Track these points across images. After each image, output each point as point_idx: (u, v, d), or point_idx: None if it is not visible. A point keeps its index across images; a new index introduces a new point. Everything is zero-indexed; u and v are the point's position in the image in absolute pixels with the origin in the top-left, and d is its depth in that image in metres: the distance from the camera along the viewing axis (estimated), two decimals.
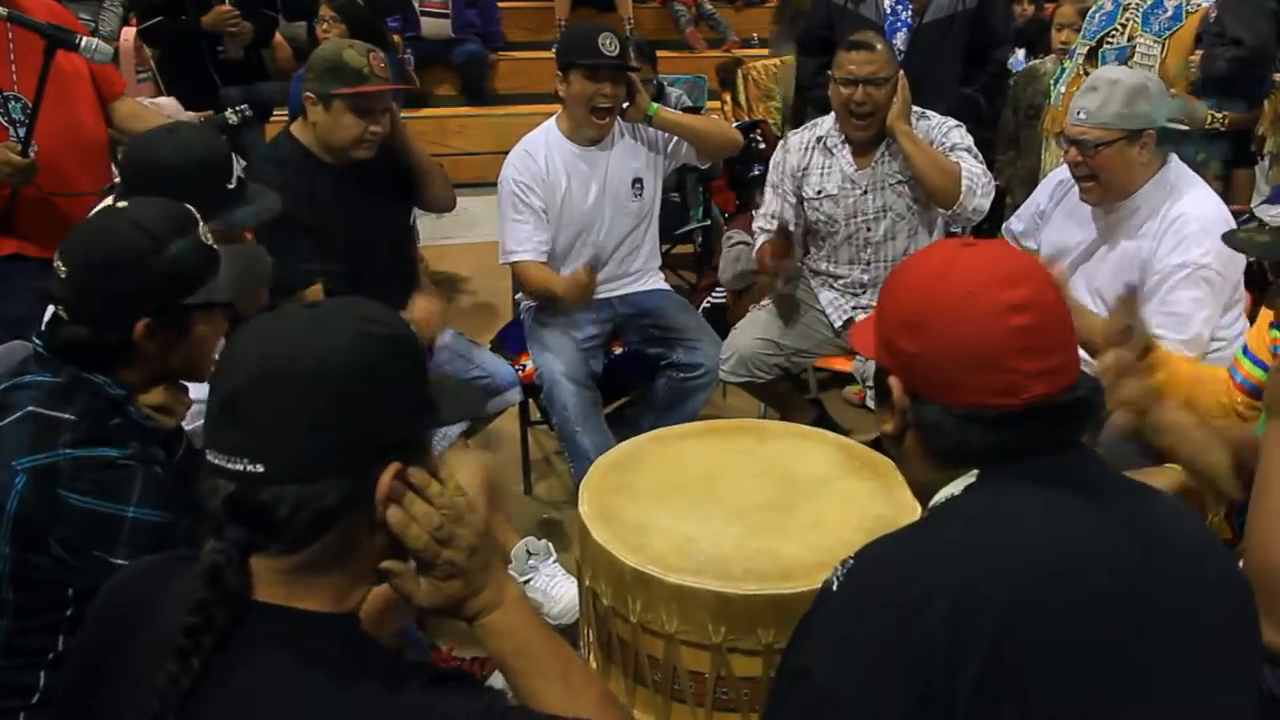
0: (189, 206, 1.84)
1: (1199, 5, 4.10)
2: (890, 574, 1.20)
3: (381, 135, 2.99)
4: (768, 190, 3.51)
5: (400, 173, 3.18)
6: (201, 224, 1.82)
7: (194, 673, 1.09)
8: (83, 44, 2.73)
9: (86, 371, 1.72)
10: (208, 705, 1.09)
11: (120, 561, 1.63)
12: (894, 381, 1.30)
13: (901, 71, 3.25)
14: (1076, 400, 1.24)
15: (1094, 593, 1.16)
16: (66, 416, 1.67)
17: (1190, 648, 1.19)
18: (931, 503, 1.30)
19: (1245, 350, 2.27)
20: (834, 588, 1.21)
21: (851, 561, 1.23)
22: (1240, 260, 2.76)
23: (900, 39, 4.02)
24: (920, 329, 1.26)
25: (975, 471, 1.25)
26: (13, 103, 2.86)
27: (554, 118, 3.47)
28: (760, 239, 3.50)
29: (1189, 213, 2.72)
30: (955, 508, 1.26)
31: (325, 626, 1.16)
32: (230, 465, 1.13)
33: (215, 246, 1.83)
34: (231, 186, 2.28)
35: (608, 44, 3.23)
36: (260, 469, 1.12)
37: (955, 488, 1.26)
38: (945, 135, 3.29)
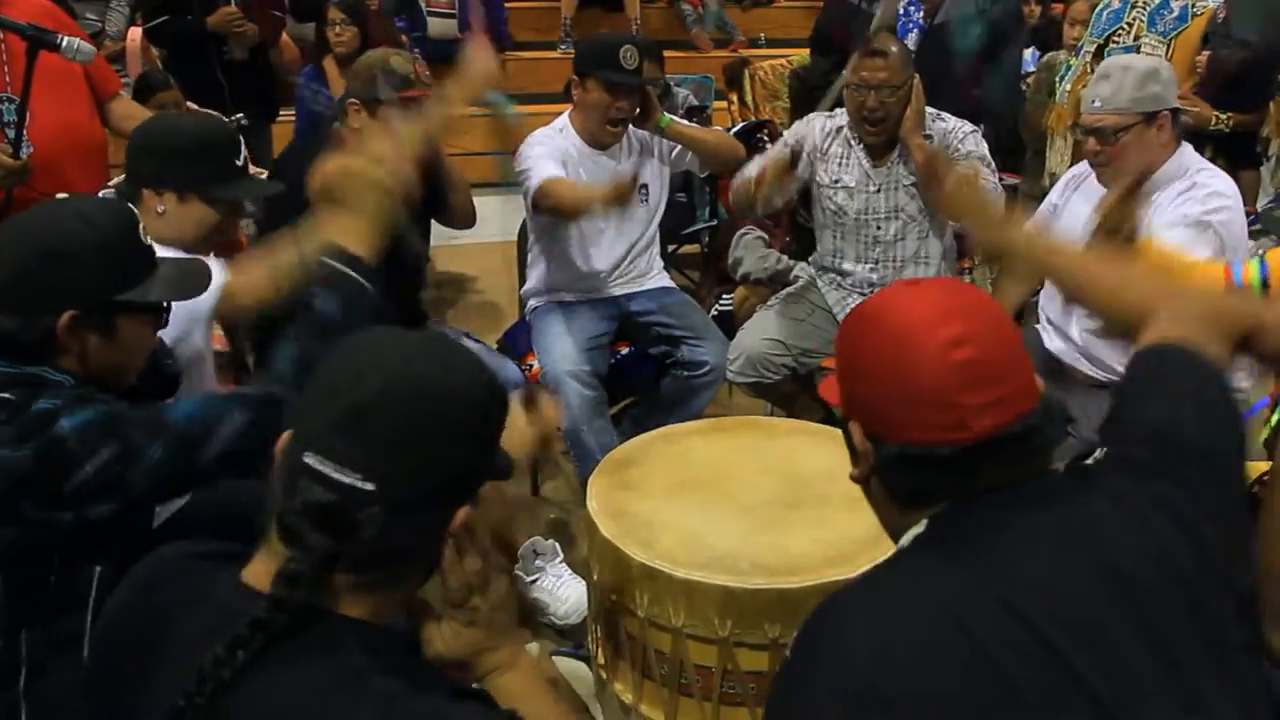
0: (131, 206, 1.83)
1: (1205, 6, 4.09)
2: (825, 651, 1.18)
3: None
4: (776, 146, 3.47)
5: (429, 185, 3.20)
6: (143, 225, 1.80)
7: (239, 664, 1.10)
8: (64, 44, 2.72)
9: (12, 364, 1.67)
10: (240, 696, 1.10)
11: (95, 471, 1.58)
12: (854, 427, 1.31)
13: (917, 78, 3.23)
14: (1030, 429, 1.24)
15: (1051, 643, 1.13)
16: (46, 405, 1.61)
17: (1172, 656, 1.17)
18: (896, 547, 1.31)
19: (1263, 259, 2.24)
20: (787, 653, 1.22)
21: (801, 626, 1.23)
22: (1243, 235, 2.77)
23: (912, 39, 4.01)
24: (865, 372, 1.28)
25: (925, 521, 1.26)
26: (5, 104, 2.86)
27: (566, 115, 3.47)
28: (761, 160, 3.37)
29: (1199, 181, 2.75)
30: (897, 569, 1.26)
31: (362, 631, 1.17)
32: (338, 475, 1.12)
33: (153, 248, 1.80)
34: (239, 164, 2.33)
35: (628, 57, 3.24)
36: (370, 487, 1.12)
37: (908, 537, 1.27)
38: (961, 142, 3.28)
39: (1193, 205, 2.70)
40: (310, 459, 1.13)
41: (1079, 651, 1.14)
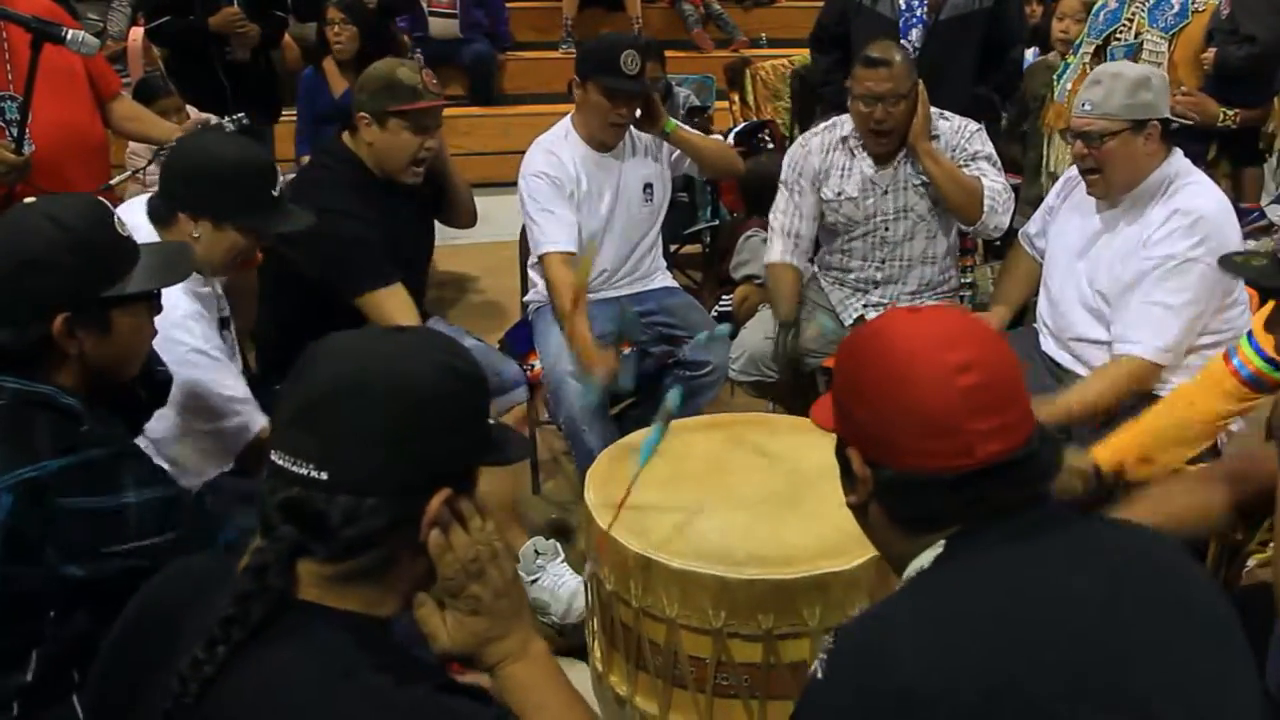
0: (103, 200, 1.83)
1: (1207, 1, 4.08)
2: (868, 667, 1.17)
3: (434, 152, 3.03)
4: (780, 193, 3.47)
5: (435, 191, 3.22)
6: (117, 215, 1.80)
7: (219, 660, 1.11)
8: (69, 36, 2.71)
9: (16, 377, 1.67)
10: (228, 691, 1.11)
11: (131, 547, 1.62)
12: (852, 452, 1.30)
13: (921, 83, 3.22)
14: (1033, 454, 1.24)
15: (1069, 659, 1.14)
16: (36, 432, 1.62)
17: (1182, 674, 1.17)
18: (905, 574, 1.29)
19: (1249, 336, 2.25)
20: (819, 675, 1.20)
21: (831, 645, 1.21)
22: (1235, 240, 2.76)
23: (915, 35, 4.00)
24: (867, 396, 1.27)
25: (943, 542, 1.25)
26: (8, 103, 2.86)
27: (568, 118, 3.47)
28: (774, 257, 3.46)
29: (1184, 206, 2.72)
30: (927, 587, 1.25)
31: (351, 623, 1.18)
32: (295, 468, 1.15)
33: (132, 237, 1.81)
34: (275, 194, 2.34)
35: (629, 62, 3.22)
36: (324, 476, 1.14)
37: (925, 559, 1.26)
38: (967, 141, 3.27)
39: (1177, 241, 2.69)
40: (275, 457, 1.17)
41: (1107, 659, 1.14)
